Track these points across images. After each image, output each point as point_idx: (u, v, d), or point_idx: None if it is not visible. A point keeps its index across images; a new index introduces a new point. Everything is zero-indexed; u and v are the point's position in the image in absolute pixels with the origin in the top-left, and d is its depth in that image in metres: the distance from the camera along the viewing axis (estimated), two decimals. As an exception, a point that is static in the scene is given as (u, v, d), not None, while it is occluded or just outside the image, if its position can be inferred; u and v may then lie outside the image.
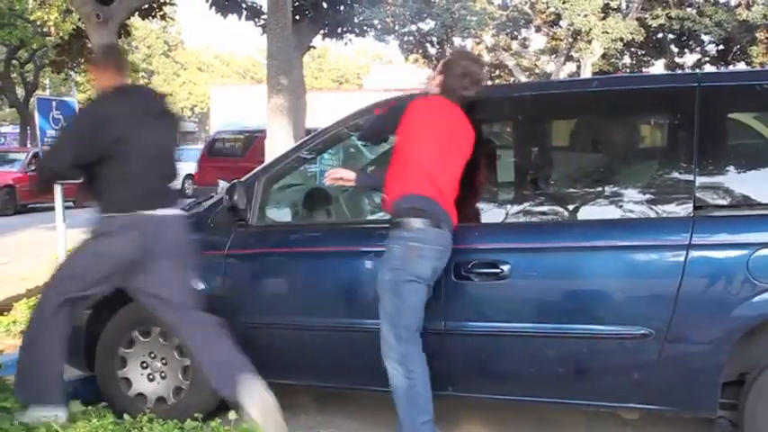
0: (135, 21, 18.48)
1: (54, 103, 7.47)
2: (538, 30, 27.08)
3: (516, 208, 4.08)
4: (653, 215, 3.73)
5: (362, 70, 69.97)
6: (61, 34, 13.73)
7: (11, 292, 7.68)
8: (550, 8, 24.87)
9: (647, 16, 24.56)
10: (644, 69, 26.77)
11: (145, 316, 4.51)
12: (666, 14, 23.98)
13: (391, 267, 3.76)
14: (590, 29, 22.27)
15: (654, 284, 3.67)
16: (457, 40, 27.19)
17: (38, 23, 23.42)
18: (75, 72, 23.93)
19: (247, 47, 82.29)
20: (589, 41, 23.01)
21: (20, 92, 32.39)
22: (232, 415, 3.87)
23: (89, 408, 4.19)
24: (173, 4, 15.20)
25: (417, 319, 3.78)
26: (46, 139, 7.27)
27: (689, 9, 24.64)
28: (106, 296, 4.59)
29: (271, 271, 4.46)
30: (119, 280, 4.04)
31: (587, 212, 3.93)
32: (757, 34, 24.07)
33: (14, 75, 31.61)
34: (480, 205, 4.18)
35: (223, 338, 3.99)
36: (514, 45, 28.27)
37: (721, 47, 25.95)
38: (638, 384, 3.72)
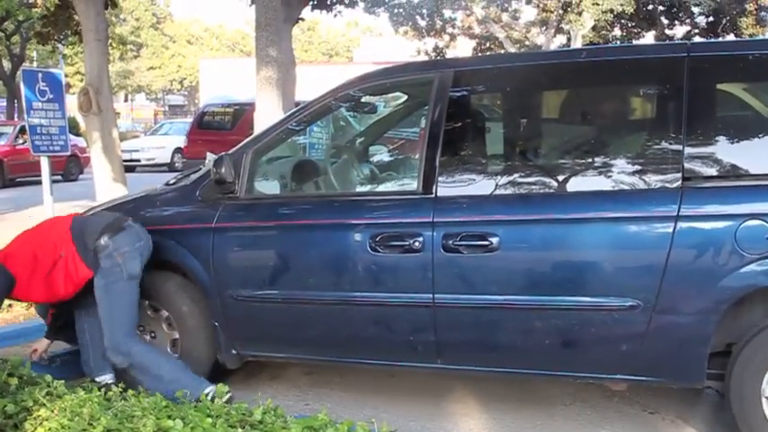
0: (122, -8, 18.26)
1: (40, 75, 7.40)
2: (528, 1, 26.85)
3: (505, 180, 4.05)
4: (641, 186, 3.71)
5: (353, 43, 69.63)
6: (47, 5, 13.52)
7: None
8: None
9: (637, -13, 24.40)
10: (634, 41, 26.60)
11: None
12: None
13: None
14: (580, 0, 22.13)
15: (642, 256, 3.67)
16: (447, 12, 27.03)
17: (23, -6, 23.10)
18: (62, 44, 23.65)
19: (237, 19, 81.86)
20: (579, 13, 22.83)
21: (6, 65, 32.02)
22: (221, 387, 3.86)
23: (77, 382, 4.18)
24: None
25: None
26: (32, 112, 7.22)
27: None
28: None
29: (259, 244, 4.43)
30: None
31: (576, 184, 3.90)
32: (746, 5, 23.97)
33: (0, 47, 31.22)
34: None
35: None
36: (505, 17, 28.04)
37: (711, 18, 25.84)
38: (625, 356, 3.73)
